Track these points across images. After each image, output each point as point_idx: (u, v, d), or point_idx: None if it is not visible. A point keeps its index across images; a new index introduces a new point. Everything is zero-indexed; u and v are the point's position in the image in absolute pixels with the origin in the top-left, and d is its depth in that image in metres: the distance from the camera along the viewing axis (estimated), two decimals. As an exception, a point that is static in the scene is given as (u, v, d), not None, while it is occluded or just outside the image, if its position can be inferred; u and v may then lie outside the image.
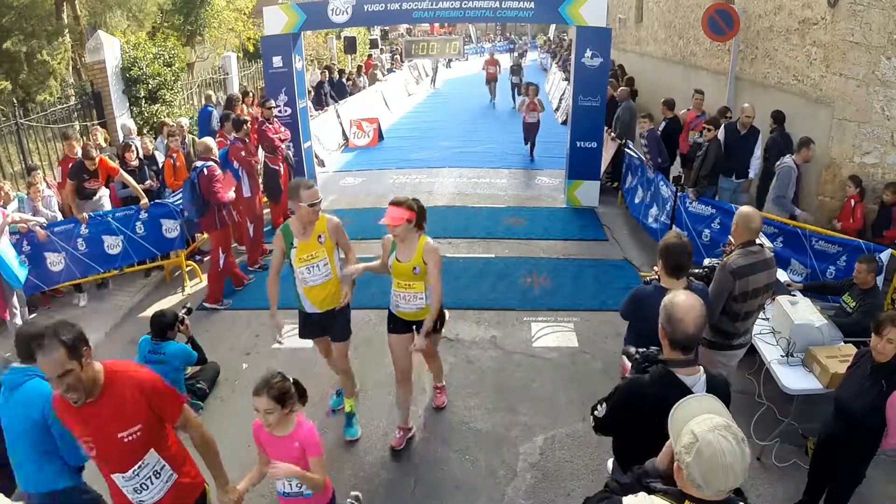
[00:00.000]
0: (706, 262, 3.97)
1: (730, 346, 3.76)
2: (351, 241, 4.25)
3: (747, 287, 3.54)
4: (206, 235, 8.01)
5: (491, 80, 18.97)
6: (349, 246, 4.15)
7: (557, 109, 16.38)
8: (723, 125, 7.12)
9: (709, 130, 6.89)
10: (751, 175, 7.06)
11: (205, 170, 6.05)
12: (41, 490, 2.91)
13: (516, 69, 18.52)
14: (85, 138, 8.81)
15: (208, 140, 6.38)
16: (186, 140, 7.77)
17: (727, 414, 1.82)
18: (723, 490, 1.69)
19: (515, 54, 34.04)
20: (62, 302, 6.69)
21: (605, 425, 2.56)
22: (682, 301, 2.37)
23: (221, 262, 6.35)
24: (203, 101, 11.19)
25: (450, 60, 29.46)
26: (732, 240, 3.72)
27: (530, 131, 11.72)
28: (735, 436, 1.67)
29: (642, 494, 1.82)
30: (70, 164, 6.72)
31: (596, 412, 2.56)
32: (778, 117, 7.50)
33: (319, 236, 3.96)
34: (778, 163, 6.49)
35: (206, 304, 6.33)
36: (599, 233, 8.15)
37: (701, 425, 1.70)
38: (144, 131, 9.06)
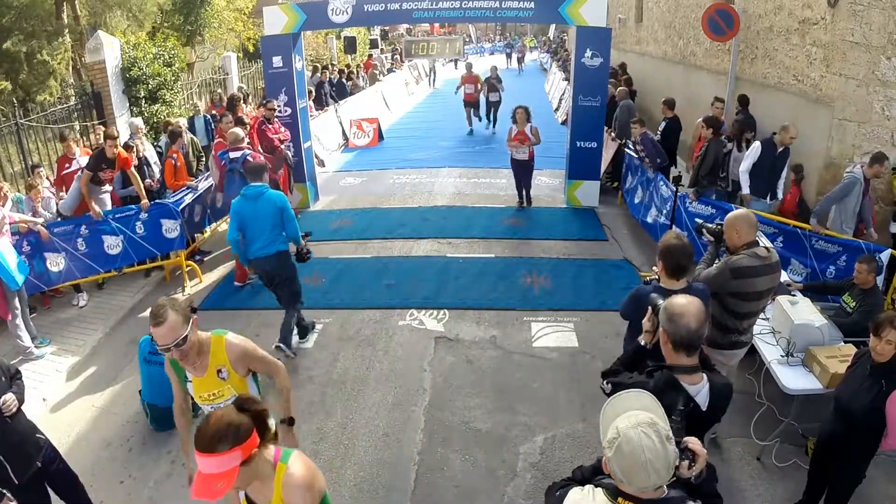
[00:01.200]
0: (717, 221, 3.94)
1: (730, 345, 3.75)
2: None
3: (747, 288, 3.53)
4: (206, 235, 8.05)
5: (470, 104, 14.67)
6: (273, 365, 2.93)
7: (557, 109, 16.39)
8: (759, 142, 6.67)
9: (706, 129, 6.88)
10: (779, 195, 6.69)
11: (248, 157, 6.21)
12: (271, 252, 5.04)
13: (493, 84, 14.29)
14: (85, 138, 8.84)
15: (238, 130, 6.48)
16: (186, 141, 7.77)
17: (659, 412, 1.84)
18: (645, 487, 1.70)
19: (515, 56, 31.45)
20: (62, 302, 6.69)
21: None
22: (679, 300, 2.38)
23: None
24: (208, 101, 11.21)
25: (455, 61, 28.85)
26: (734, 243, 3.65)
27: (520, 173, 8.86)
28: (658, 434, 1.69)
29: (588, 486, 1.85)
30: (66, 164, 6.73)
31: (603, 387, 2.57)
32: (742, 100, 8.22)
33: (219, 371, 2.77)
34: (848, 169, 6.00)
35: (237, 283, 6.75)
36: (599, 233, 8.15)
37: (625, 421, 1.73)
38: (144, 132, 9.05)
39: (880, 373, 3.16)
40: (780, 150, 6.49)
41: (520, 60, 31.41)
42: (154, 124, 9.32)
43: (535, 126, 8.67)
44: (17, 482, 3.18)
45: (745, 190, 6.59)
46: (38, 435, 3.40)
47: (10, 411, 3.17)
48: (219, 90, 11.23)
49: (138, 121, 7.97)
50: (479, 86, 14.42)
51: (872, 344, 3.18)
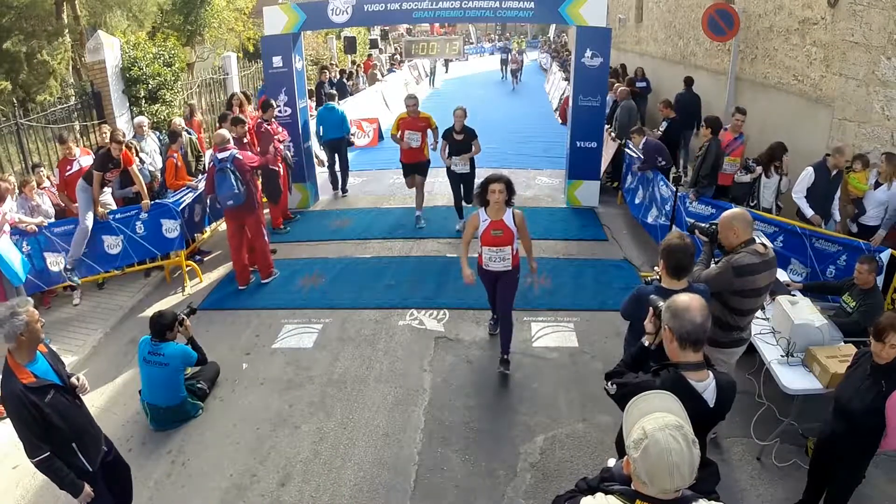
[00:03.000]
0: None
1: (731, 343, 3.77)
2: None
3: (749, 285, 3.54)
4: (205, 235, 8.06)
5: (413, 170, 8.01)
6: None
7: (557, 109, 16.39)
8: (812, 166, 6.21)
9: (705, 128, 6.86)
10: (837, 219, 6.17)
11: (237, 155, 6.30)
12: (340, 136, 9.78)
13: (456, 138, 7.66)
14: (84, 138, 8.83)
15: (224, 132, 6.53)
16: (185, 141, 7.76)
17: (684, 415, 1.84)
18: (667, 489, 1.70)
19: (510, 68, 24.23)
20: (62, 302, 6.69)
21: (622, 399, 2.56)
22: (682, 297, 2.39)
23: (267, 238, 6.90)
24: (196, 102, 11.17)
25: (447, 61, 28.25)
26: (731, 242, 3.65)
27: (494, 292, 5.25)
28: (685, 437, 1.69)
29: (599, 495, 1.84)
30: (68, 166, 6.71)
31: (607, 388, 2.56)
32: (687, 81, 9.92)
33: None
34: None
35: (263, 281, 6.83)
36: (599, 233, 8.14)
37: (652, 423, 1.72)
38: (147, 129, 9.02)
39: (880, 373, 3.16)
40: (834, 173, 6.05)
41: (515, 74, 23.91)
42: (153, 124, 9.31)
43: (520, 212, 4.85)
44: (90, 469, 3.25)
45: (809, 212, 6.08)
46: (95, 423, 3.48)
47: (85, 391, 3.30)
48: (191, 102, 10.18)
49: (143, 119, 7.97)
50: (432, 131, 8.01)
51: (875, 348, 3.16)
